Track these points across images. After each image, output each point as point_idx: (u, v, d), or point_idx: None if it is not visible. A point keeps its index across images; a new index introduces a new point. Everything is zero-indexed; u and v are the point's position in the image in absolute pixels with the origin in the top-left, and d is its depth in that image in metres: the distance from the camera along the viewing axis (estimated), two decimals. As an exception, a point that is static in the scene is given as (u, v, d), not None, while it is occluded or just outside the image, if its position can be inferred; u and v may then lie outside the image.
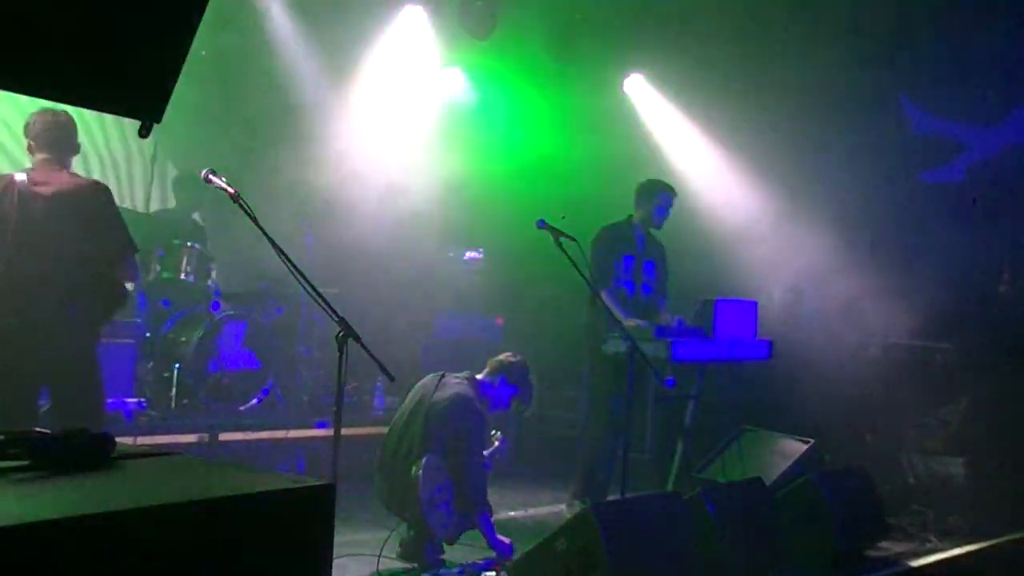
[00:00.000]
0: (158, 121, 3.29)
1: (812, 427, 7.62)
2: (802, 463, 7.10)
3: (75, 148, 5.34)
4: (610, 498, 6.49)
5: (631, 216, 7.24)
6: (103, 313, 5.37)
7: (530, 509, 7.18)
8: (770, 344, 7.33)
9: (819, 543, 6.05)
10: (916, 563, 6.59)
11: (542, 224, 5.97)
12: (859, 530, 6.44)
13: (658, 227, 7.30)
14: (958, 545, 7.09)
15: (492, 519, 5.67)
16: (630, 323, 6.45)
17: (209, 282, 7.72)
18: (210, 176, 4.75)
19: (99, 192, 5.29)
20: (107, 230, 5.23)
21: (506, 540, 5.63)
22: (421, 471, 5.37)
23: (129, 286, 5.73)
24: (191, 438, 7.03)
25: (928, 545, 6.98)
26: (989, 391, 8.41)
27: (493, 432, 6.01)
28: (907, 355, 8.76)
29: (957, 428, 8.54)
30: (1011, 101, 9.05)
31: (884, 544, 6.77)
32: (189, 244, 7.68)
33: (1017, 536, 7.51)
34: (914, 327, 8.60)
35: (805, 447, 7.26)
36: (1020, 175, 8.78)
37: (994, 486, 7.99)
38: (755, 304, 7.36)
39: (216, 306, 7.55)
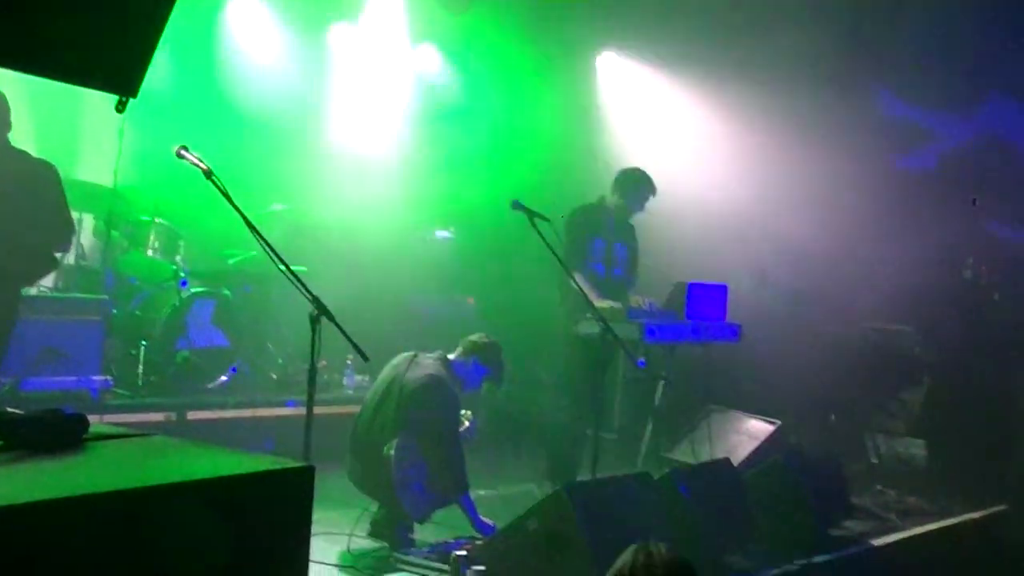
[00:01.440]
0: (134, 96, 3.24)
1: (779, 408, 7.70)
2: (769, 444, 7.19)
3: (8, 125, 5.39)
4: (579, 478, 6.51)
5: (604, 198, 7.23)
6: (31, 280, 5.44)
7: (500, 489, 7.19)
8: (739, 327, 7.39)
9: (786, 523, 6.13)
10: (878, 542, 6.70)
11: (517, 205, 5.96)
12: (825, 510, 6.52)
13: (630, 217, 7.30)
14: (919, 524, 7.21)
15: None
16: (603, 304, 6.47)
17: (177, 259, 7.64)
18: (182, 152, 4.70)
19: (46, 172, 5.28)
20: (50, 214, 5.22)
21: (489, 522, 5.64)
22: (394, 451, 5.37)
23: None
24: (159, 416, 6.97)
25: (890, 524, 7.09)
26: (950, 374, 8.54)
27: (464, 412, 6.01)
28: (872, 338, 8.87)
29: (919, 410, 8.66)
30: (981, 91, 9.14)
31: (848, 523, 6.87)
32: (157, 220, 7.60)
33: (976, 515, 7.65)
34: (880, 311, 8.70)
35: (772, 428, 7.34)
36: (987, 164, 8.88)
37: (954, 467, 8.13)
38: (726, 288, 7.41)
39: (184, 283, 7.48)
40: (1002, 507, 7.72)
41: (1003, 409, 7.87)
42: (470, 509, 5.62)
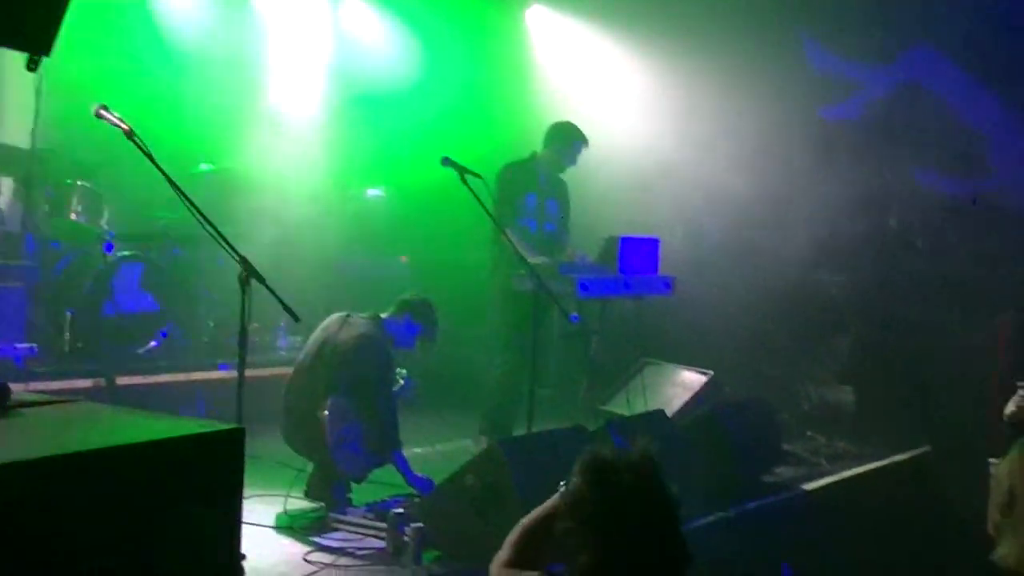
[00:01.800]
0: (47, 54, 3.15)
1: (712, 359, 7.80)
2: (703, 394, 7.28)
3: None
4: (516, 433, 6.55)
5: (535, 153, 7.22)
6: None
7: (437, 445, 7.22)
8: (672, 280, 7.45)
9: (720, 471, 6.22)
10: (809, 487, 6.84)
11: (447, 161, 5.93)
12: (757, 457, 6.65)
13: (562, 171, 7.30)
14: (848, 468, 7.38)
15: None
16: (536, 260, 6.47)
17: (102, 222, 7.48)
18: (102, 112, 4.59)
19: None
20: None
21: (424, 476, 5.65)
22: (327, 412, 5.35)
23: None
24: (87, 383, 6.85)
25: (820, 469, 7.25)
26: (876, 322, 8.71)
27: (399, 371, 5.99)
28: (802, 287, 9.00)
29: (847, 358, 8.84)
30: (902, 42, 9.25)
31: (780, 470, 7.01)
32: (79, 182, 7.42)
33: (902, 457, 7.85)
34: (809, 261, 8.82)
35: (705, 379, 7.43)
36: (910, 113, 9.00)
37: (881, 411, 8.32)
38: (657, 241, 7.46)
39: (109, 247, 7.32)
40: (926, 448, 7.93)
41: (927, 354, 8.05)
42: (403, 466, 5.64)
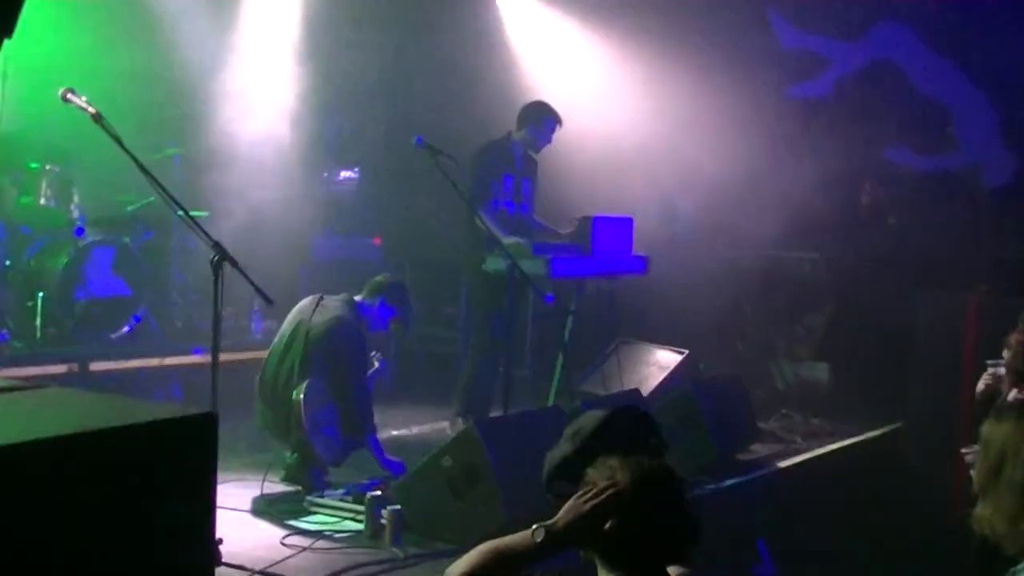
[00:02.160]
0: (9, 35, 3.10)
1: (687, 338, 7.83)
2: (678, 373, 7.30)
3: None
4: (492, 414, 6.56)
5: (510, 133, 7.20)
6: None
7: (413, 428, 7.22)
8: (646, 259, 7.46)
9: (695, 449, 6.25)
10: (784, 464, 6.89)
11: (420, 142, 5.91)
12: (732, 435, 6.68)
13: (537, 151, 7.29)
14: (822, 445, 7.43)
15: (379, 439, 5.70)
16: (509, 241, 6.47)
17: (72, 206, 7.40)
18: (69, 95, 4.54)
19: None
20: None
21: (396, 460, 5.65)
22: (303, 396, 5.33)
23: None
24: (60, 368, 6.79)
25: (794, 447, 7.30)
26: (851, 299, 8.77)
27: (373, 353, 5.98)
28: (776, 265, 9.04)
29: (822, 335, 8.90)
30: (871, 17, 9.28)
31: (755, 448, 7.05)
32: (48, 167, 7.34)
33: (875, 433, 7.92)
34: (783, 239, 8.86)
35: (680, 357, 7.45)
36: (880, 88, 9.04)
37: (855, 388, 8.39)
38: (631, 220, 7.46)
39: (80, 231, 7.26)
40: (900, 424, 8.00)
41: (900, 331, 8.11)
42: (377, 449, 5.64)
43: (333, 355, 5.49)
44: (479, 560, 2.48)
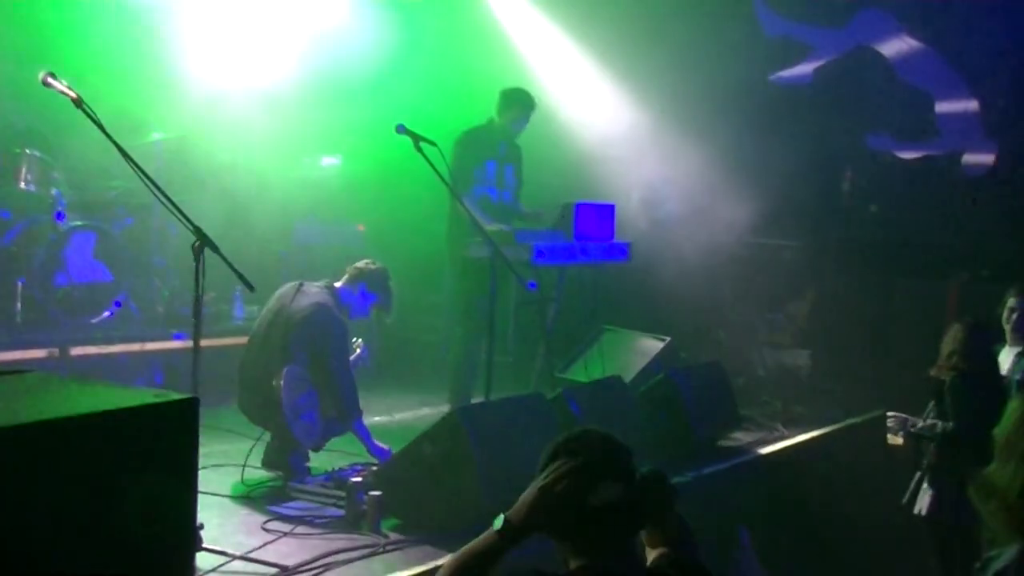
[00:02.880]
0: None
1: (669, 325, 7.86)
2: (660, 360, 7.32)
3: None
4: (475, 401, 6.57)
5: (492, 120, 7.19)
6: None
7: (396, 414, 7.22)
8: (628, 246, 7.47)
9: (677, 436, 6.28)
10: (765, 451, 6.93)
11: (402, 129, 5.90)
12: (714, 422, 6.72)
13: (518, 136, 7.28)
14: (803, 432, 7.47)
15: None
16: (492, 228, 6.47)
17: (52, 191, 7.36)
18: (49, 79, 4.50)
19: None
20: None
21: (384, 446, 5.65)
22: (283, 381, 5.32)
23: None
24: (40, 353, 6.76)
25: (776, 433, 7.33)
26: (832, 286, 8.82)
27: (354, 340, 5.97)
28: (757, 253, 9.07)
29: (803, 322, 8.94)
30: (854, 5, 9.30)
31: (736, 435, 7.09)
32: (28, 151, 7.30)
33: (856, 420, 7.97)
34: (764, 226, 8.90)
35: (662, 345, 7.48)
36: (862, 76, 9.06)
37: (835, 376, 8.44)
38: (613, 207, 7.47)
39: (61, 216, 7.22)
40: (880, 411, 8.04)
41: (881, 318, 8.16)
42: (364, 435, 5.63)
43: (313, 341, 5.47)
44: (447, 571, 2.49)
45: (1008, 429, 2.87)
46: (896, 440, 5.14)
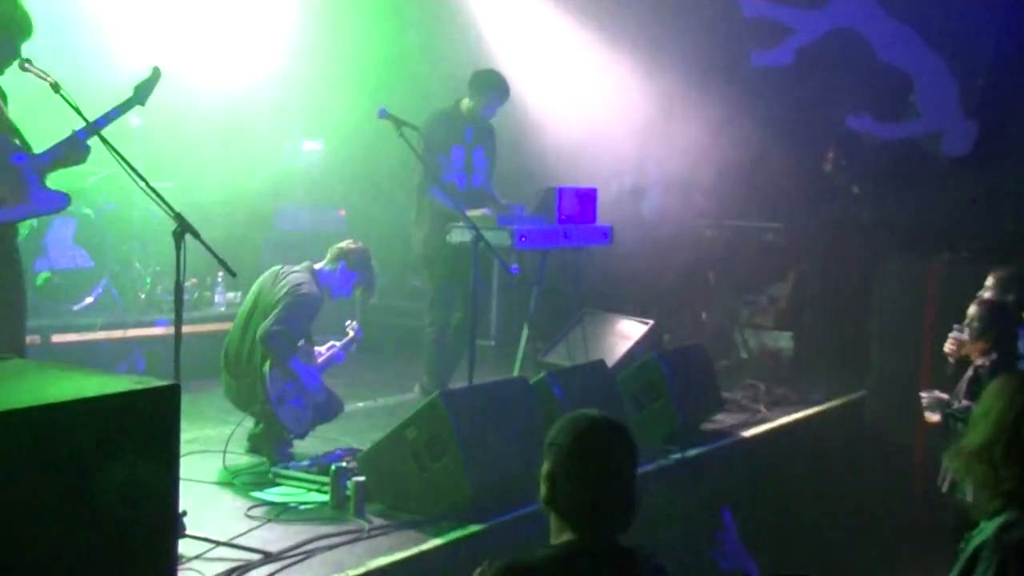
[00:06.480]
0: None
1: (651, 308, 7.87)
2: (643, 343, 7.33)
3: None
4: (457, 385, 6.57)
5: (460, 101, 7.09)
6: None
7: (379, 399, 7.22)
8: (610, 229, 7.48)
9: (660, 420, 6.30)
10: (748, 433, 6.96)
11: (383, 113, 5.87)
12: (697, 405, 6.73)
13: (486, 119, 7.20)
14: (786, 414, 7.51)
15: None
16: (475, 213, 6.45)
17: (31, 178, 7.30)
18: (27, 65, 4.48)
19: None
20: None
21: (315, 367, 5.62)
22: (268, 369, 5.30)
23: None
24: (21, 341, 6.74)
25: (759, 416, 7.36)
26: (814, 268, 8.84)
27: (348, 322, 5.95)
28: (739, 235, 9.08)
29: (786, 304, 8.97)
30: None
31: (719, 417, 7.10)
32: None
33: (838, 402, 8.01)
34: (746, 208, 8.91)
35: (645, 328, 7.48)
36: (842, 57, 9.05)
37: (817, 358, 8.48)
38: (595, 191, 7.47)
39: (41, 202, 7.17)
40: (862, 393, 8.09)
41: (863, 299, 8.19)
42: (301, 370, 5.51)
43: (291, 321, 5.41)
44: None
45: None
46: (933, 418, 5.10)
